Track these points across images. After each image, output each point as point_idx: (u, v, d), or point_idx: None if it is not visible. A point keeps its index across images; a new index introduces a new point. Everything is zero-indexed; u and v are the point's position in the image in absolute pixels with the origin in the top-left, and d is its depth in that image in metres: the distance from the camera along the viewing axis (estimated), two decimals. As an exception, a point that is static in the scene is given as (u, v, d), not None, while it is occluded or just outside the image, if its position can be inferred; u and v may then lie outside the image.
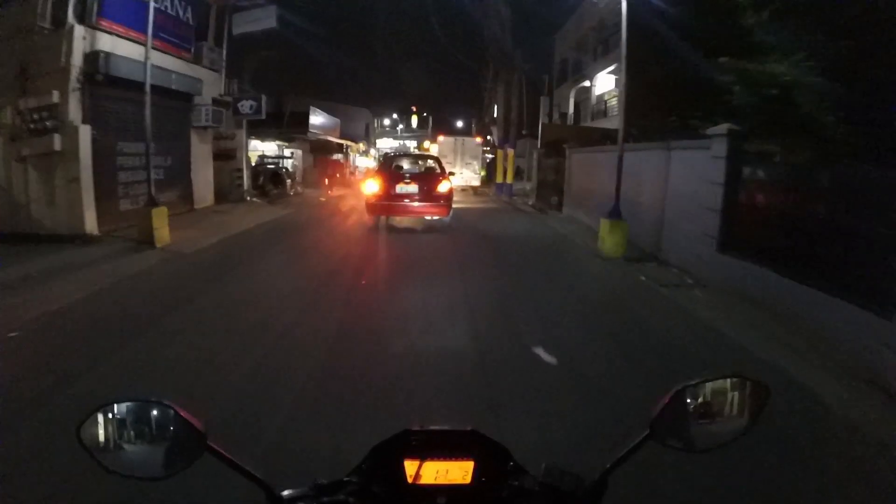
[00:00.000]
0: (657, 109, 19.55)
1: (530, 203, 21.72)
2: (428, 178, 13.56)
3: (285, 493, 1.01)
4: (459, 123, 50.63)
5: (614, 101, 28.55)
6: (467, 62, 29.71)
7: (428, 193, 12.93)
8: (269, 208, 17.38)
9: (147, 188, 10.68)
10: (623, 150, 10.38)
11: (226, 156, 17.60)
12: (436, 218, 13.29)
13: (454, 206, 13.57)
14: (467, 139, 28.78)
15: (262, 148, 27.25)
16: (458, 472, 1.02)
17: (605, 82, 30.48)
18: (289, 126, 27.11)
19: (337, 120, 35.99)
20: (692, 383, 1.07)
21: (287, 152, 28.61)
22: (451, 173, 15.31)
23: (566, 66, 35.84)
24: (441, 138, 28.19)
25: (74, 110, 10.37)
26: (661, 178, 10.09)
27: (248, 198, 18.27)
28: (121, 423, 0.98)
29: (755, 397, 1.07)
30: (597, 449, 3.28)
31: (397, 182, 13.05)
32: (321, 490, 1.03)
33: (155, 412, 0.99)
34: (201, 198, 15.94)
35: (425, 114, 61.36)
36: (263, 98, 17.15)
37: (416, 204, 12.94)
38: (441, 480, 1.02)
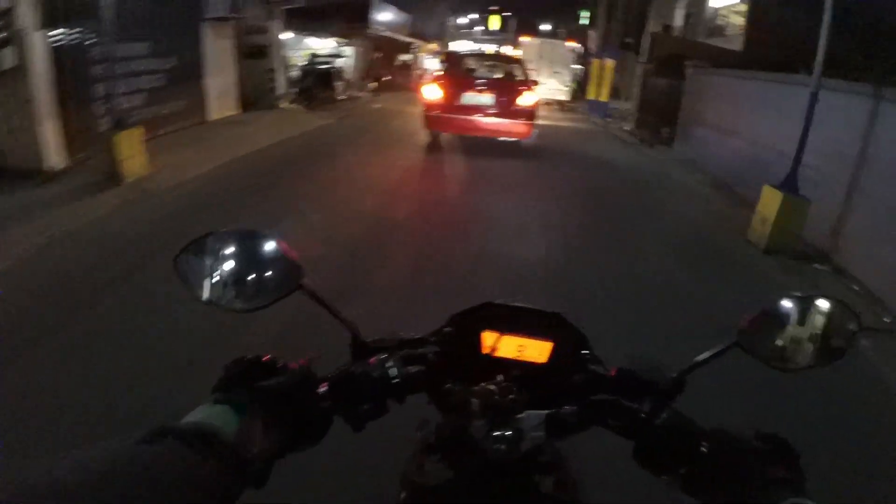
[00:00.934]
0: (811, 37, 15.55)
1: (627, 129, 17.69)
2: (507, 86, 10.59)
3: (370, 340, 1.01)
4: (547, 27, 44.75)
5: (736, 18, 23.57)
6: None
7: (506, 107, 10.06)
8: (305, 116, 14.17)
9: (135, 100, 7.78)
10: (818, 87, 6.27)
11: (258, 53, 14.29)
12: (512, 139, 10.27)
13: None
14: (557, 42, 23.88)
15: (318, 46, 23.61)
16: (535, 350, 1.03)
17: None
18: (347, 20, 23.43)
19: (407, 15, 31.91)
20: (785, 299, 0.96)
21: (347, 50, 24.55)
22: (534, 82, 11.49)
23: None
24: (524, 39, 23.70)
25: (26, 13, 7.12)
26: (855, 137, 6.19)
27: (283, 103, 14.95)
28: (217, 252, 0.91)
29: (844, 324, 0.94)
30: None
31: (467, 89, 10.17)
32: (402, 342, 1.02)
33: (255, 242, 0.93)
34: (220, 106, 12.87)
35: (508, 13, 54.99)
36: None
37: (489, 120, 10.08)
38: (517, 356, 1.03)
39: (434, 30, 38.43)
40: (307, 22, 22.38)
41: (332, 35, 23.45)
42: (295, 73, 19.32)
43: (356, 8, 25.57)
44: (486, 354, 1.02)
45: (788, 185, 6.26)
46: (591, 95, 20.43)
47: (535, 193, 8.07)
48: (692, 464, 0.84)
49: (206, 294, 0.91)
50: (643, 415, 0.91)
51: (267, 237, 0.94)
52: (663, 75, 15.72)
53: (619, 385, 0.97)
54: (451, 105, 10.04)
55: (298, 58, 21.38)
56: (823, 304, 0.97)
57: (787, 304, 0.97)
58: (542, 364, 1.02)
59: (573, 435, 0.93)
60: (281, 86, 15.04)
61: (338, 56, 22.70)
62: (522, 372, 0.96)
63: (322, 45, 23.89)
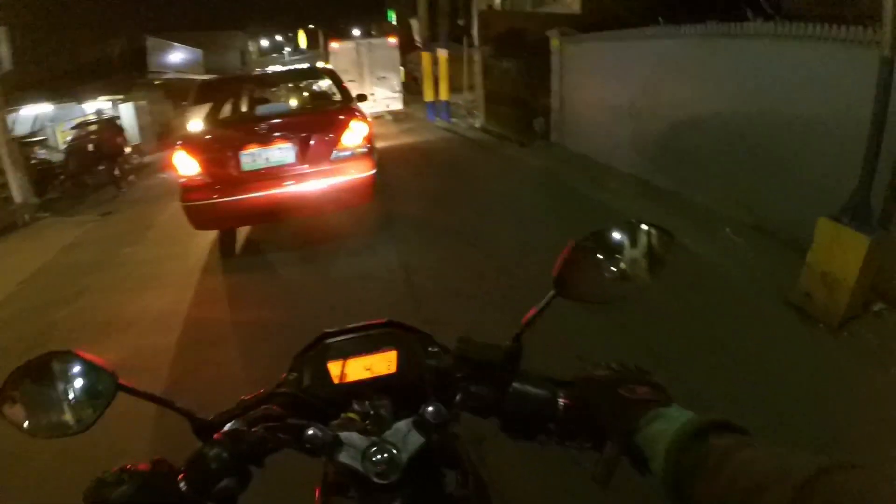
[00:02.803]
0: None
1: (479, 126, 14.97)
2: (315, 121, 6.23)
3: (211, 417, 0.96)
4: (356, 32, 41.32)
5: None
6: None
7: (320, 157, 5.70)
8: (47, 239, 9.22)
9: None
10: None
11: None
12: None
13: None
14: (376, 41, 19.68)
15: (90, 111, 18.91)
16: (382, 363, 1.03)
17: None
18: (119, 70, 19.08)
19: (197, 51, 27.65)
20: (591, 233, 1.01)
21: (124, 109, 19.63)
22: (362, 96, 7.90)
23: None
24: (335, 45, 19.17)
25: None
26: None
27: (28, 216, 10.49)
28: (34, 383, 0.92)
29: (659, 244, 0.99)
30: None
31: (244, 144, 5.61)
32: (247, 406, 0.98)
33: (64, 363, 0.93)
34: None
35: (311, 26, 50.94)
36: (3, 32, 9.18)
37: (295, 189, 5.63)
38: (367, 375, 1.02)
39: (234, 61, 34.22)
40: (69, 86, 18.01)
41: (103, 93, 18.78)
42: (58, 158, 14.98)
43: (130, 56, 21.33)
44: (339, 384, 1.01)
45: (860, 216, 3.49)
46: (428, 97, 17.45)
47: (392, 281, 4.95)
48: (555, 418, 0.90)
49: (32, 428, 0.90)
50: (492, 391, 0.94)
51: (70, 354, 0.94)
52: (506, 56, 13.15)
53: (463, 370, 0.98)
54: (222, 181, 5.57)
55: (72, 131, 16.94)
56: (631, 229, 0.99)
57: (595, 237, 1.01)
58: (392, 374, 1.02)
59: (448, 427, 0.92)
60: (19, 190, 10.53)
61: (112, 119, 18.12)
62: (377, 388, 0.99)
63: (93, 108, 19.24)
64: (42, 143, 15.83)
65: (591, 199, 7.11)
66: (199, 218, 5.69)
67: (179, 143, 5.70)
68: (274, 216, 6.10)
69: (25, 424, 0.89)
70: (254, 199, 5.57)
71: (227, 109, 7.76)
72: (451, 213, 7.01)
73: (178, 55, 25.13)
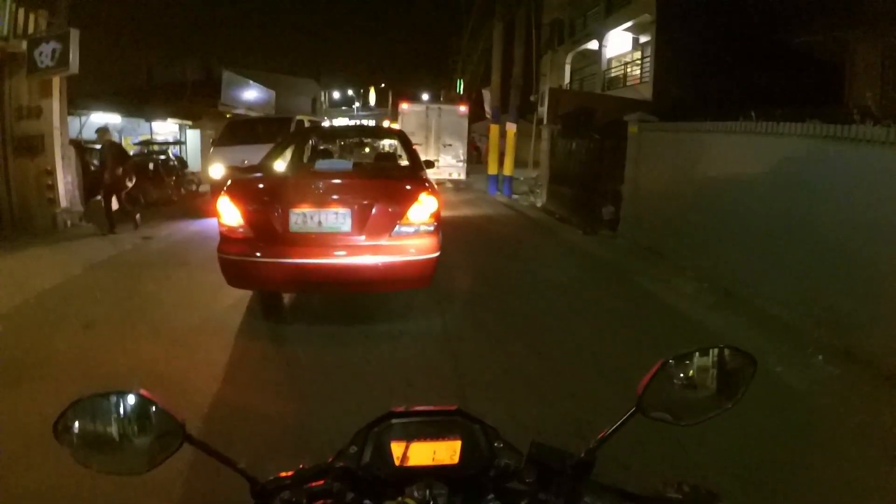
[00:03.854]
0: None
1: (540, 205, 14.48)
2: (379, 187, 5.23)
3: (269, 480, 0.96)
4: (425, 97, 41.87)
5: (634, 69, 21.68)
6: None
7: (381, 229, 4.87)
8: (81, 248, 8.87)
9: None
10: None
11: (27, 147, 9.84)
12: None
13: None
14: (446, 108, 19.20)
15: (162, 131, 19.11)
16: (445, 452, 1.00)
17: (617, 43, 23.42)
18: (192, 97, 19.33)
19: (270, 92, 28.17)
20: (678, 355, 1.03)
21: (191, 135, 19.83)
22: (429, 163, 7.26)
23: (559, 27, 28.10)
24: (405, 106, 18.84)
25: None
26: None
27: (70, 222, 10.23)
28: (98, 416, 0.92)
29: (741, 368, 1.03)
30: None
31: (297, 201, 4.88)
32: (305, 477, 0.98)
33: (132, 403, 0.93)
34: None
35: (383, 84, 51.90)
36: (74, 34, 9.08)
37: (347, 261, 4.84)
38: (429, 461, 0.99)
39: (305, 106, 34.89)
40: (140, 102, 18.29)
41: (173, 116, 18.98)
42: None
43: (204, 84, 21.77)
44: (399, 465, 0.98)
45: None
46: (492, 170, 17.08)
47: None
48: None
49: (88, 462, 0.91)
50: (561, 501, 0.93)
51: (144, 397, 0.93)
52: (574, 136, 12.76)
53: (532, 475, 0.96)
54: (265, 238, 4.86)
55: (136, 146, 17.02)
56: (717, 353, 1.03)
57: (681, 359, 1.02)
58: (454, 465, 0.99)
59: None
60: (65, 195, 10.31)
61: (177, 143, 18.21)
62: (436, 477, 0.95)
63: (162, 129, 19.47)
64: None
65: (665, 304, 6.35)
66: (233, 274, 5.01)
67: (227, 187, 5.05)
68: (316, 287, 5.39)
69: (80, 454, 0.91)
70: (296, 265, 4.83)
71: (290, 157, 7.24)
72: (511, 303, 6.25)
73: (251, 92, 25.59)
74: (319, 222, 4.85)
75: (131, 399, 0.93)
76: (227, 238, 4.92)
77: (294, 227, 4.82)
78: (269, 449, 3.12)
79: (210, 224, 9.72)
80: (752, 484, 2.96)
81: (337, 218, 4.86)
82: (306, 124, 13.40)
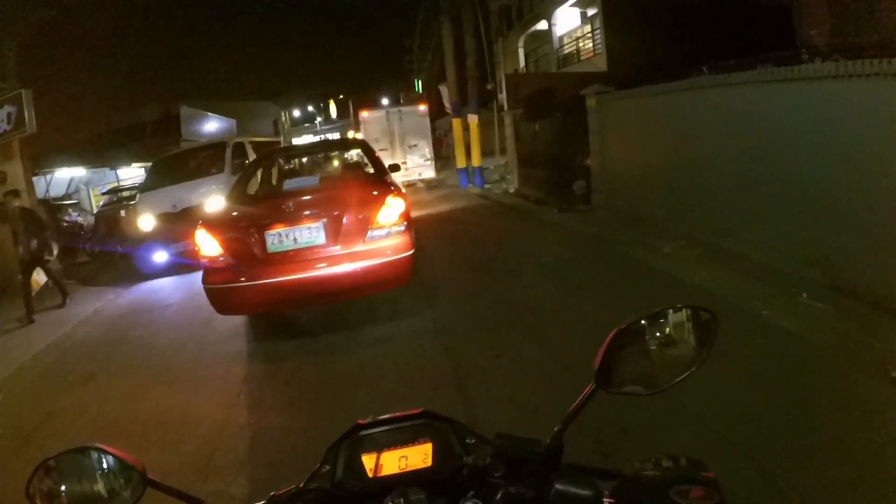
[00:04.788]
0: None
1: (513, 191, 14.55)
2: (347, 197, 5.33)
3: None
4: (385, 101, 41.72)
5: (586, 44, 21.76)
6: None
7: (354, 236, 5.05)
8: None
9: None
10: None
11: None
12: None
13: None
14: (406, 109, 19.20)
15: (129, 176, 18.89)
16: (417, 456, 1.00)
17: (567, 20, 23.53)
18: (153, 137, 19.21)
19: (230, 121, 28.07)
20: (631, 322, 1.00)
21: None
22: (395, 167, 7.80)
23: (507, 12, 28.12)
24: (365, 114, 18.85)
25: None
26: None
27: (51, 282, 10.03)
28: (62, 475, 0.96)
29: (703, 325, 1.00)
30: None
31: (271, 222, 5.05)
32: (279, 503, 0.97)
33: (91, 457, 0.96)
34: None
35: (342, 96, 51.69)
36: (27, 95, 8.97)
37: (326, 272, 4.95)
38: (402, 468, 0.99)
39: (266, 129, 34.73)
40: (102, 150, 18.18)
41: (137, 159, 18.82)
42: (90, 221, 14.81)
43: (164, 123, 21.68)
44: (373, 477, 0.98)
45: None
46: (461, 163, 17.13)
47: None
48: None
49: None
50: (533, 490, 0.91)
51: (100, 450, 0.95)
52: (536, 118, 12.83)
53: (500, 466, 0.95)
54: (247, 263, 5.01)
55: (105, 196, 16.88)
56: (672, 315, 1.00)
57: (635, 326, 1.00)
58: (428, 467, 0.99)
59: None
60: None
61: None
62: (412, 481, 0.94)
63: (128, 174, 19.29)
64: (75, 206, 15.83)
65: (649, 266, 6.44)
66: (222, 302, 5.16)
67: (201, 221, 5.27)
68: (303, 302, 5.50)
69: None
70: (281, 283, 4.96)
71: (257, 181, 7.49)
72: (499, 290, 6.29)
73: (212, 124, 25.57)
74: (295, 239, 5.02)
75: (93, 454, 0.96)
76: (209, 268, 5.05)
77: (272, 248, 4.99)
78: (279, 469, 3.20)
79: (165, 284, 9.39)
80: (756, 432, 3.03)
81: (311, 232, 5.02)
82: (247, 146, 11.66)
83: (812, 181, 5.18)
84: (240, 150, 11.40)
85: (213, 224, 5.23)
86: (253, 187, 7.18)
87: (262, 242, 4.99)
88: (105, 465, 0.96)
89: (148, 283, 9.74)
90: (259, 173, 7.87)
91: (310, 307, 5.94)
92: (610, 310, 5.01)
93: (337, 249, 5.03)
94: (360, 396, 4.07)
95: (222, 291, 5.04)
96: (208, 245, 5.02)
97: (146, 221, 10.17)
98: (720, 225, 6.60)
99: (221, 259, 5.01)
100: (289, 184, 6.36)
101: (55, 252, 8.39)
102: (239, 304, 5.27)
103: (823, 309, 4.56)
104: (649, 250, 7.00)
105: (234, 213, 5.53)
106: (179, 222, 9.58)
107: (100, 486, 0.96)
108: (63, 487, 0.95)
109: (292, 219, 5.05)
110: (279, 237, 5.01)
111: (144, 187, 11.33)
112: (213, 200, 9.53)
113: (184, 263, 9.45)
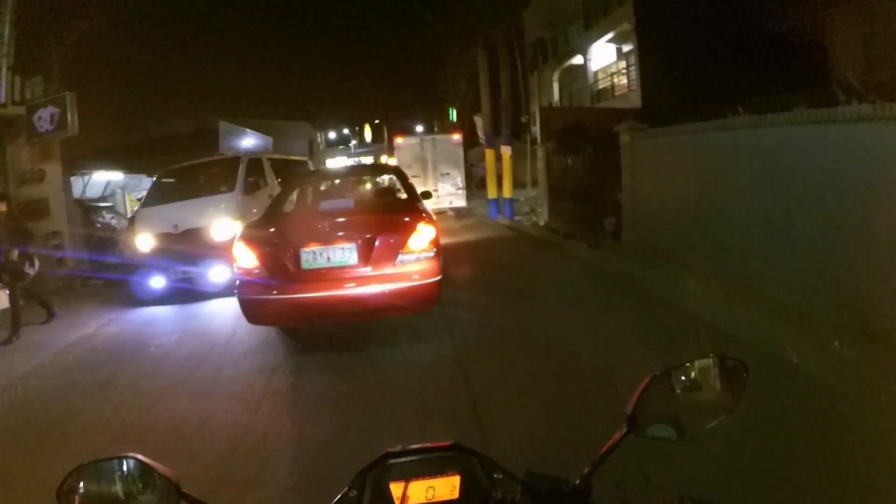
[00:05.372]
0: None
1: (542, 224, 14.52)
2: (380, 222, 5.70)
3: None
4: (419, 128, 42.19)
5: (621, 79, 21.83)
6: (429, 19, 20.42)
7: (384, 258, 5.30)
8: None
9: None
10: None
11: (32, 211, 10.00)
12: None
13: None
14: (440, 138, 19.40)
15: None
16: (445, 488, 1.00)
17: (602, 55, 23.66)
18: (189, 150, 19.64)
19: (267, 138, 28.59)
20: (665, 370, 1.02)
21: None
22: (426, 194, 7.96)
23: (543, 46, 28.40)
24: (400, 140, 19.23)
25: None
26: None
27: (80, 281, 10.34)
28: (98, 481, 0.97)
29: (733, 375, 1.03)
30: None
31: (307, 240, 5.35)
32: None
33: (129, 467, 0.98)
34: None
35: (377, 121, 52.32)
36: (71, 98, 9.37)
37: (357, 291, 5.22)
38: (429, 499, 0.99)
39: (302, 149, 35.23)
40: (139, 158, 18.61)
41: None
42: (123, 225, 15.15)
43: (201, 136, 22.15)
44: None
45: None
46: (492, 194, 17.15)
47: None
48: None
49: None
50: None
51: (138, 460, 0.97)
52: (569, 152, 12.83)
53: (528, 502, 0.97)
54: (280, 278, 5.26)
55: (138, 202, 17.26)
56: (704, 364, 1.02)
57: (669, 374, 1.02)
58: (455, 500, 0.99)
59: None
60: (75, 252, 10.53)
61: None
62: None
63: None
64: (110, 209, 16.17)
65: (677, 306, 6.35)
66: (253, 313, 5.50)
67: (240, 235, 5.69)
68: (331, 318, 5.65)
69: None
70: (311, 300, 5.24)
71: (294, 200, 7.97)
72: (522, 326, 6.20)
73: (248, 140, 26.01)
74: (328, 258, 5.31)
75: (129, 463, 0.98)
76: (243, 281, 5.37)
77: (305, 265, 5.28)
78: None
79: (159, 315, 8.23)
80: (778, 479, 2.94)
81: (344, 252, 5.30)
82: (265, 163, 10.93)
83: (844, 225, 5.06)
84: (256, 167, 10.48)
85: (251, 238, 5.56)
86: (289, 206, 7.45)
87: (297, 259, 5.26)
88: (139, 475, 0.98)
89: (140, 310, 8.51)
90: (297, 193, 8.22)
91: (336, 323, 6.05)
92: (632, 350, 4.94)
93: (367, 271, 5.27)
94: (386, 422, 4.04)
95: (255, 303, 5.39)
96: (245, 257, 5.33)
97: (144, 241, 9.05)
98: (749, 265, 6.47)
99: (256, 272, 5.29)
100: (324, 205, 6.80)
101: (36, 266, 7.52)
102: (270, 316, 5.61)
103: (853, 357, 4.43)
104: (677, 289, 6.90)
105: (272, 230, 5.82)
106: (181, 244, 8.75)
107: (133, 495, 0.97)
108: (95, 492, 0.96)
109: (327, 238, 5.34)
110: (313, 255, 5.28)
111: (145, 202, 10.08)
112: (220, 223, 8.85)
113: (184, 290, 8.65)
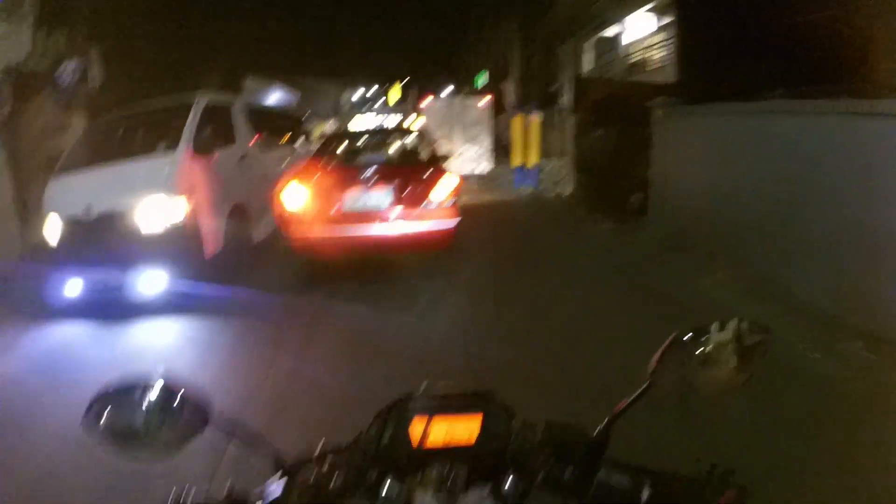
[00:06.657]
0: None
1: (566, 195, 14.40)
2: (408, 173, 7.24)
3: (294, 458, 1.01)
4: (447, 91, 41.49)
5: (657, 53, 21.31)
6: None
7: (412, 205, 6.83)
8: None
9: None
10: None
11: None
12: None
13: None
14: (468, 101, 19.07)
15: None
16: (466, 427, 0.99)
17: (637, 27, 23.06)
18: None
19: (296, 94, 28.49)
20: (692, 329, 1.05)
21: None
22: (447, 157, 8.31)
23: (576, 15, 27.77)
24: (428, 102, 19.03)
25: None
26: None
27: None
28: (124, 406, 0.97)
29: (757, 341, 1.03)
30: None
31: (349, 185, 6.88)
32: (328, 455, 1.00)
33: (156, 390, 0.98)
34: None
35: (405, 81, 51.67)
36: (95, 52, 9.38)
37: (389, 227, 6.85)
38: (447, 441, 0.98)
39: (328, 108, 35.10)
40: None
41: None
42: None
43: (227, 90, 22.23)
44: (418, 447, 0.98)
45: None
46: (516, 162, 17.02)
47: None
48: None
49: (118, 448, 0.96)
50: (576, 474, 0.96)
51: (165, 383, 0.98)
52: (597, 124, 12.60)
53: (547, 453, 0.99)
54: (327, 215, 6.79)
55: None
56: (732, 325, 1.03)
57: (693, 334, 1.04)
58: (475, 440, 0.99)
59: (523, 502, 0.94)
60: None
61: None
62: (452, 461, 0.96)
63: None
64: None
65: (697, 291, 6.32)
66: (301, 247, 7.04)
67: (289, 180, 6.95)
68: (365, 249, 7.14)
69: (107, 441, 0.96)
70: (352, 233, 6.83)
71: (332, 153, 8.94)
72: (539, 301, 6.25)
73: (275, 95, 25.88)
74: (366, 202, 6.77)
75: (155, 386, 0.97)
76: (295, 217, 6.80)
77: (347, 207, 6.77)
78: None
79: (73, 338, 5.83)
80: (788, 475, 2.95)
81: (380, 198, 6.78)
82: (235, 114, 8.19)
83: (877, 226, 4.88)
84: (218, 116, 7.50)
85: (300, 179, 6.94)
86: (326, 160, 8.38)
87: (340, 200, 6.76)
88: (167, 398, 0.97)
89: (47, 329, 5.99)
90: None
91: (367, 255, 7.34)
92: (647, 328, 4.94)
93: (398, 212, 6.77)
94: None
95: (303, 240, 6.89)
96: (294, 200, 6.73)
97: (52, 228, 6.34)
98: (773, 258, 6.33)
99: (304, 210, 6.71)
100: (362, 158, 8.33)
101: None
102: (316, 250, 7.02)
103: (875, 359, 4.39)
104: (698, 274, 6.83)
105: (317, 177, 7.08)
106: (93, 235, 6.10)
107: (162, 419, 0.97)
108: (121, 413, 0.96)
109: (366, 185, 6.80)
110: (353, 199, 6.77)
111: (63, 166, 6.98)
112: (150, 202, 6.12)
113: (112, 303, 6.09)
